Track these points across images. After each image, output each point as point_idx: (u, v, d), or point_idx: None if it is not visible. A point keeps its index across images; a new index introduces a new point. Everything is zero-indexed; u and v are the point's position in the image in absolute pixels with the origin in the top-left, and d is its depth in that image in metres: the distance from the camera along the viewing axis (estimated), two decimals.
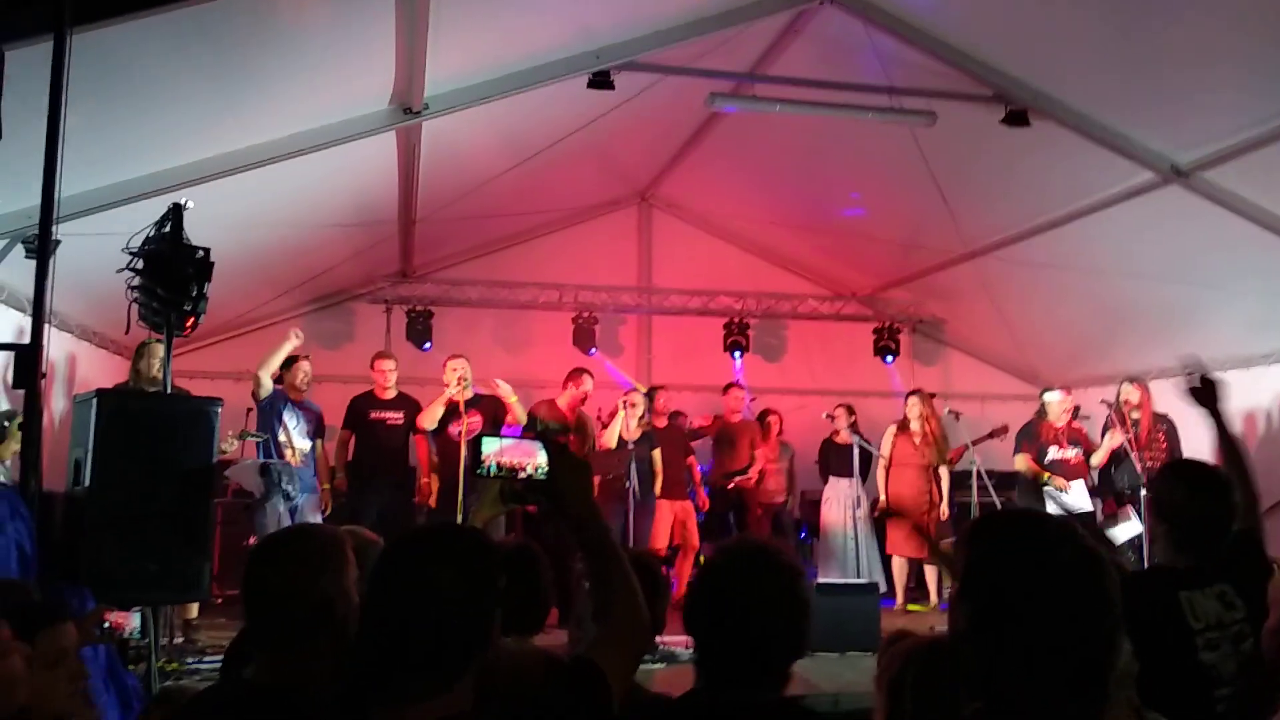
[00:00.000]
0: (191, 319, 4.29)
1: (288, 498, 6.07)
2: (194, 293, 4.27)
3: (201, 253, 4.30)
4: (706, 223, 10.24)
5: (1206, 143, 5.89)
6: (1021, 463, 7.46)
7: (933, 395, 8.71)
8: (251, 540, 6.38)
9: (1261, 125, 5.47)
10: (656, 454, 7.61)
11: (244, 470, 5.95)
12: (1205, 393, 3.11)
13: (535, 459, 1.79)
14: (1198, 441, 7.52)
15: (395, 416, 7.17)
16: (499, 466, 1.82)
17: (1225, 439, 3.00)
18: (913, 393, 8.35)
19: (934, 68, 6.05)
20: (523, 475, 1.80)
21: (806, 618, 1.83)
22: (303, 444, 6.60)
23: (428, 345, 8.90)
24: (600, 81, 5.81)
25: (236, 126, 5.19)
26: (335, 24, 4.73)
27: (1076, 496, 7.31)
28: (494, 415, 7.02)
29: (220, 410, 4.26)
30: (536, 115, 6.62)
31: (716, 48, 6.07)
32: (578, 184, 9.03)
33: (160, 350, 5.27)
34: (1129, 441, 7.15)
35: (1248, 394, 7.93)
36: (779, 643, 1.80)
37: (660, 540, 7.55)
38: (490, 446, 1.83)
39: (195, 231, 4.36)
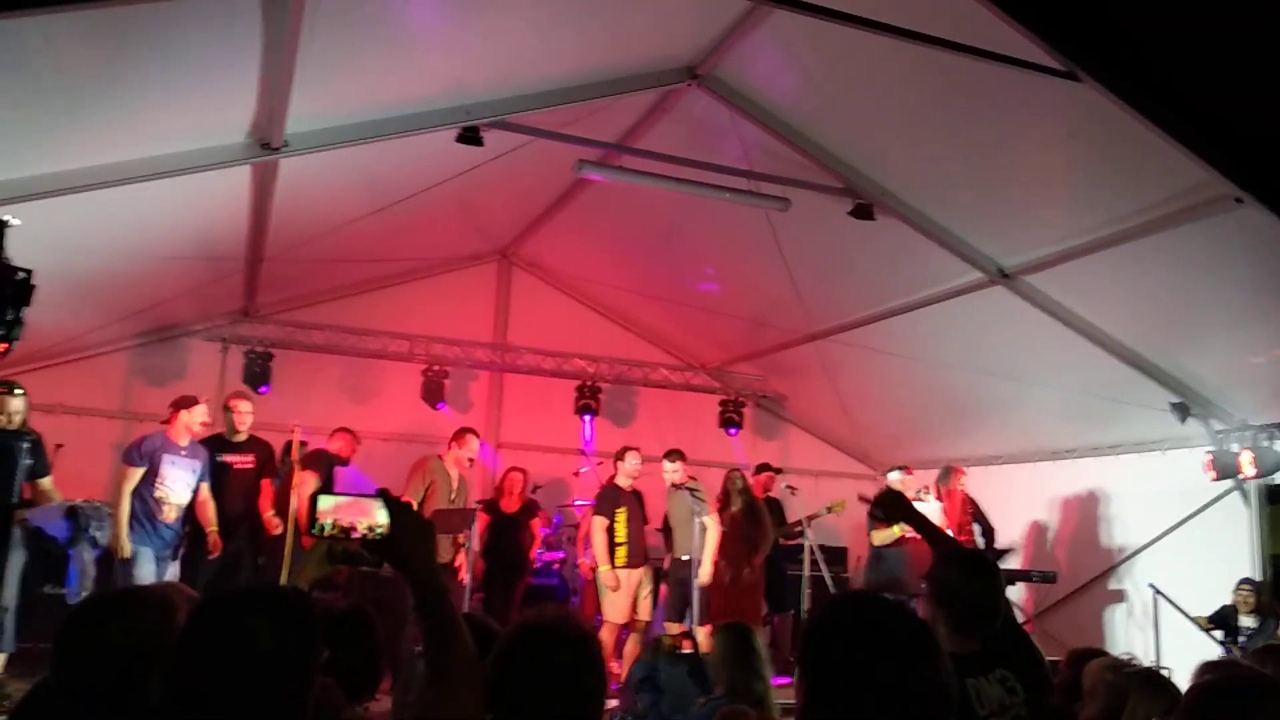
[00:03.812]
0: (4, 345, 3.95)
1: (94, 544, 5.61)
2: (9, 316, 3.95)
3: (23, 274, 3.99)
4: (566, 285, 10.31)
5: (1029, 250, 6.43)
6: (878, 537, 7.73)
7: (778, 470, 8.97)
8: (48, 588, 5.86)
9: (1075, 239, 6.02)
10: (621, 519, 7.36)
11: (47, 513, 5.46)
12: (891, 507, 3.42)
13: (372, 518, 1.73)
14: (1007, 527, 8.09)
15: (245, 460, 6.81)
16: (334, 525, 1.75)
17: (933, 535, 3.28)
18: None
19: (790, 156, 6.38)
20: (357, 535, 1.74)
21: (597, 685, 1.82)
22: (182, 498, 6.26)
23: (265, 388, 8.50)
24: (469, 137, 5.82)
25: (76, 144, 4.89)
26: (195, 50, 4.55)
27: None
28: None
29: (27, 446, 3.92)
30: (401, 163, 6.54)
31: (587, 116, 6.20)
32: (438, 236, 8.94)
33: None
34: (946, 528, 7.59)
35: (1055, 485, 8.59)
36: (566, 710, 1.78)
37: (617, 614, 7.24)
38: (325, 504, 1.76)
39: (18, 251, 4.06)
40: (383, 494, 1.78)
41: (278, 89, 4.81)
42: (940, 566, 2.86)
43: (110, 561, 7.31)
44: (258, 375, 8.53)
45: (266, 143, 5.30)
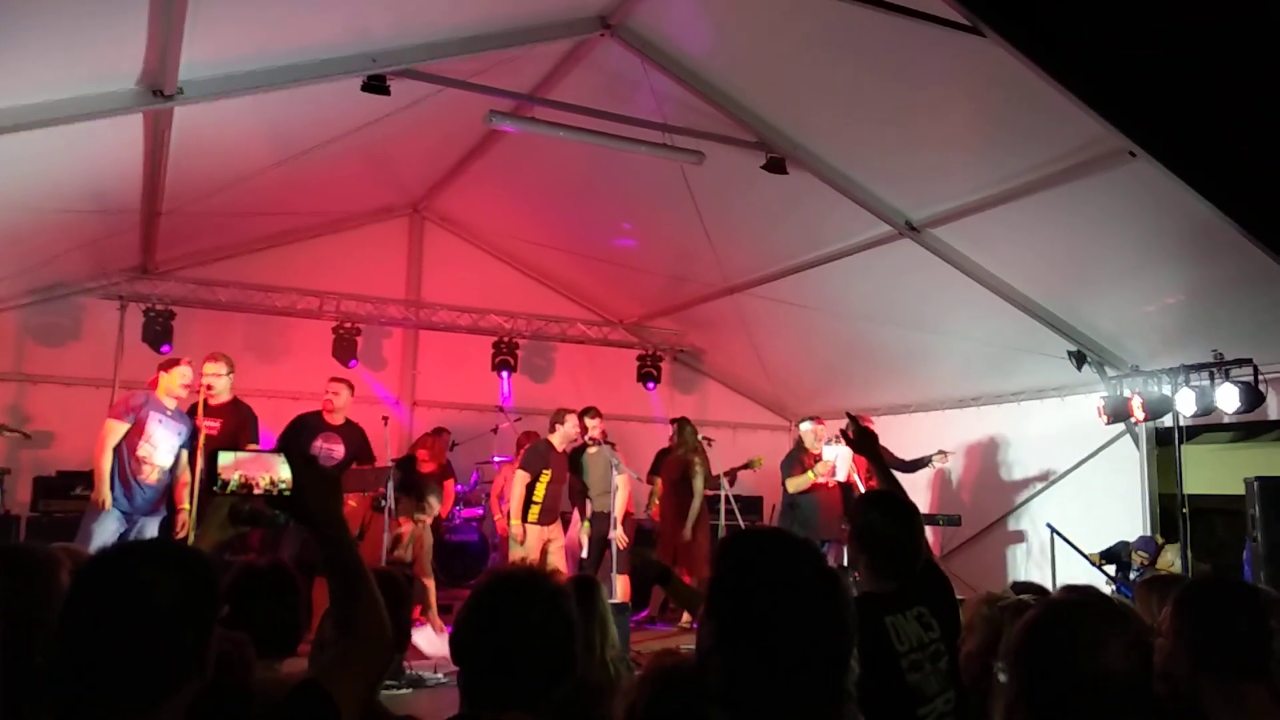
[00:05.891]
0: None
1: None
2: None
3: None
4: (480, 240, 10.17)
5: (935, 203, 6.56)
6: (793, 484, 7.91)
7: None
8: None
9: (979, 192, 6.17)
10: (544, 479, 7.39)
11: None
12: (861, 441, 3.53)
13: (276, 473, 1.70)
14: (915, 473, 8.33)
15: (213, 425, 6.53)
16: (237, 482, 1.71)
17: (886, 479, 3.41)
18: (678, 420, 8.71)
19: (704, 109, 6.37)
20: (260, 491, 1.70)
21: (570, 641, 1.81)
22: (165, 460, 6.05)
23: (166, 348, 8.19)
24: (375, 86, 5.64)
25: None
26: None
27: (841, 465, 7.87)
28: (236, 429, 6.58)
29: None
30: (305, 112, 6.33)
31: (497, 65, 6.08)
32: (347, 189, 8.70)
33: None
34: (854, 472, 7.83)
35: (960, 432, 8.88)
36: (540, 666, 1.78)
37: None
38: (226, 460, 1.72)
39: None
40: (285, 450, 1.75)
41: (169, 32, 4.58)
42: (862, 510, 2.93)
43: (7, 531, 7.11)
44: (158, 334, 8.23)
45: (159, 89, 5.05)
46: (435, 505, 7.34)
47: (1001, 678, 2.13)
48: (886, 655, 2.57)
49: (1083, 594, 2.15)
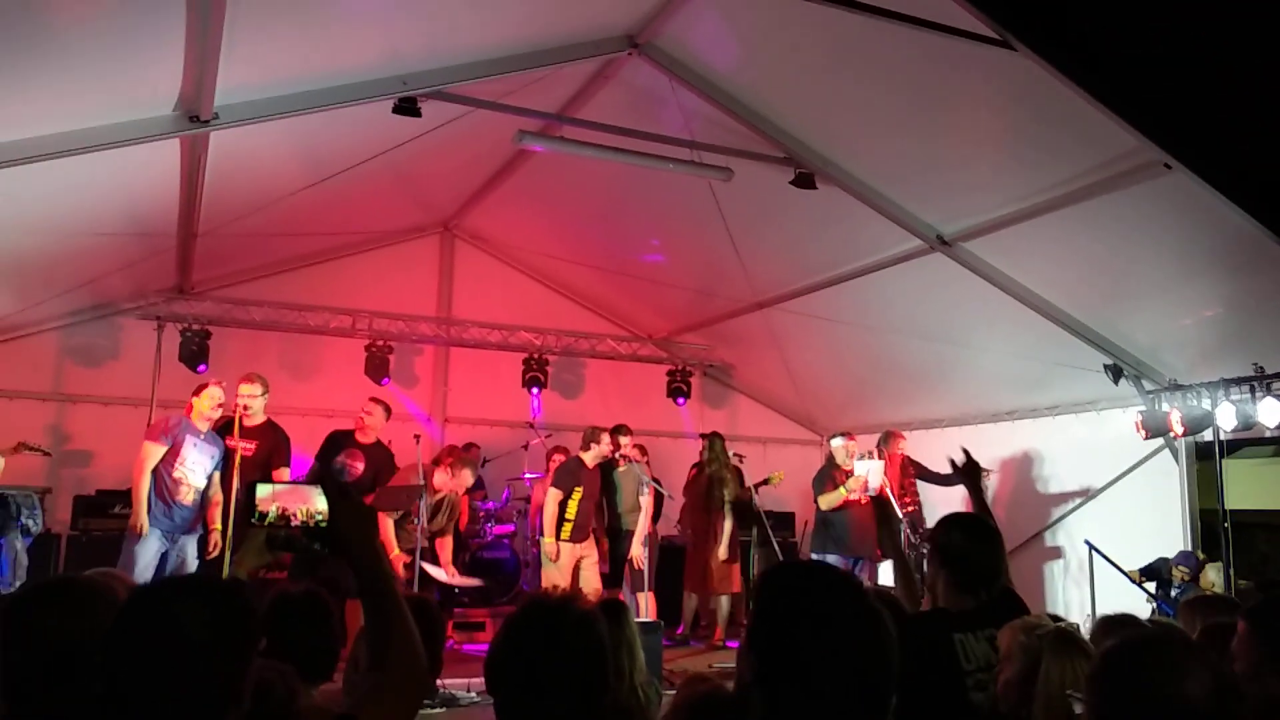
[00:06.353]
0: None
1: (25, 533, 5.48)
2: None
3: None
4: (510, 257, 10.23)
5: (966, 217, 6.51)
6: (825, 502, 7.85)
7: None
8: None
9: (1011, 205, 6.11)
10: (576, 496, 7.41)
11: None
12: (968, 474, 3.68)
13: (312, 504, 1.71)
14: (949, 489, 8.24)
15: (248, 447, 6.61)
16: (274, 514, 1.73)
17: (981, 507, 3.50)
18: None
19: (732, 126, 6.37)
20: (297, 522, 1.72)
21: (601, 665, 1.81)
22: (199, 482, 6.17)
23: (203, 367, 8.30)
24: (406, 108, 5.70)
25: None
26: (116, 19, 4.39)
27: (873, 479, 7.77)
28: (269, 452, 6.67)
29: None
30: (337, 135, 6.41)
31: (526, 86, 6.12)
32: (378, 208, 8.79)
33: None
34: (887, 486, 7.75)
35: (995, 447, 8.77)
36: (572, 691, 1.77)
37: (554, 585, 7.25)
38: (264, 492, 1.74)
39: None
40: (321, 481, 1.76)
41: (205, 60, 4.66)
42: (946, 530, 2.94)
43: (48, 549, 7.22)
44: (195, 354, 8.35)
45: (195, 115, 5.14)
46: (469, 477, 7.34)
47: (1078, 709, 2.09)
48: (951, 671, 2.59)
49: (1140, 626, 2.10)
